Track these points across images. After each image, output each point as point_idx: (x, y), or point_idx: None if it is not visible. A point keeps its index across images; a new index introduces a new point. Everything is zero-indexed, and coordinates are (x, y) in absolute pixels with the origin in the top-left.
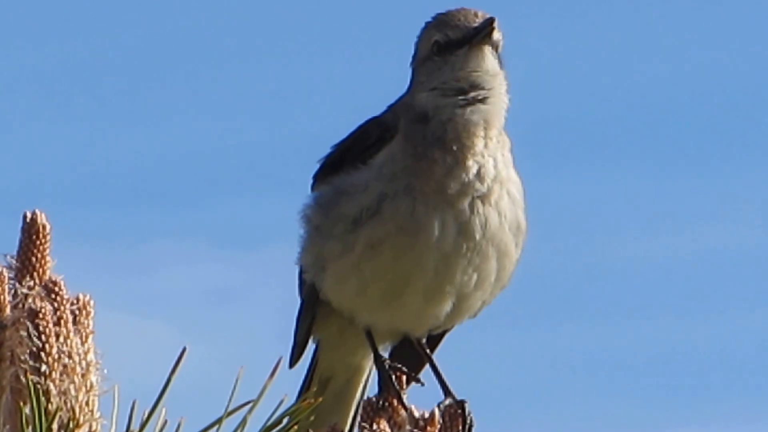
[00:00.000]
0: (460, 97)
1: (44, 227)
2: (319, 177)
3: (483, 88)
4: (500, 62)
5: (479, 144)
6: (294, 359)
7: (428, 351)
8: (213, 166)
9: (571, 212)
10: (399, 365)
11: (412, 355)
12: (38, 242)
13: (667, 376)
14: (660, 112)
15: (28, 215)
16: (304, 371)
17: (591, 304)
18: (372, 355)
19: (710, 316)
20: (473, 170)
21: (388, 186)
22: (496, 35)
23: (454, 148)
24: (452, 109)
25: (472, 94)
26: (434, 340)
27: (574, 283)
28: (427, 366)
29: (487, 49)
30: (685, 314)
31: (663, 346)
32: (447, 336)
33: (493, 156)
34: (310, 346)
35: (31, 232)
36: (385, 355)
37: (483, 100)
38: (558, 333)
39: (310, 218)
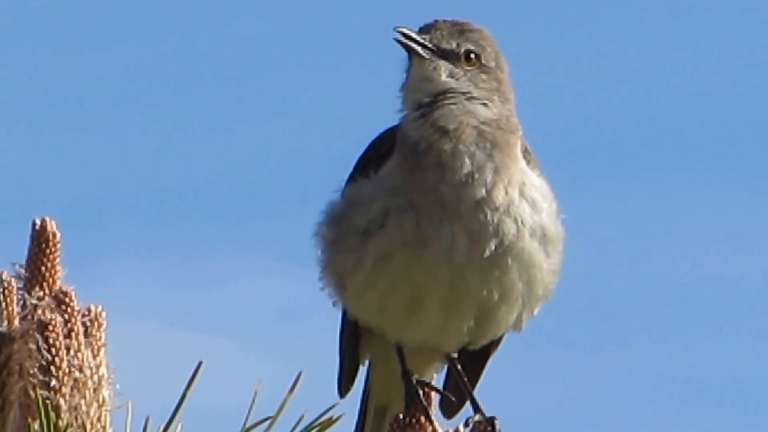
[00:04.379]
0: (416, 109)
1: (54, 235)
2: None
3: (428, 95)
4: (464, 66)
5: (463, 148)
6: (344, 386)
7: (458, 367)
8: (283, 177)
9: (644, 227)
10: (427, 380)
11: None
12: (48, 251)
13: (742, 398)
14: (745, 125)
15: (38, 223)
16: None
17: (662, 322)
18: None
19: None
20: (465, 174)
21: (389, 200)
22: (425, 43)
23: (439, 156)
24: (415, 121)
25: (425, 101)
26: (478, 359)
27: (642, 300)
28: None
29: (422, 59)
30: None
31: (733, 368)
32: (493, 357)
33: (487, 157)
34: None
35: (40, 241)
36: (434, 379)
37: (440, 107)
38: (626, 352)
39: (324, 235)
